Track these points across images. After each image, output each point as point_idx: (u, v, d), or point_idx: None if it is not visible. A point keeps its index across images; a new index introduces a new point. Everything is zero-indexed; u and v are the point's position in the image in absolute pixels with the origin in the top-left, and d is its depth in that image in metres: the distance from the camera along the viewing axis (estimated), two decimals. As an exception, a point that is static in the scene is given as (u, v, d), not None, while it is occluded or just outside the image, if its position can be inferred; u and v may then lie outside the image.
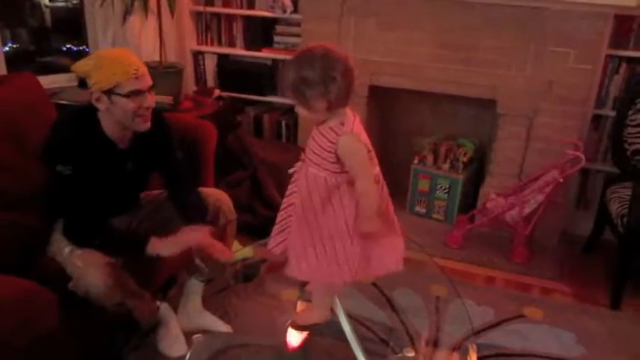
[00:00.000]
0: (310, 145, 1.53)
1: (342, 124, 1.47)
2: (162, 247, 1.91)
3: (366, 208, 1.49)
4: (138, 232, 2.05)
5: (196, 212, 2.09)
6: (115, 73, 1.80)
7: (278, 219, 1.64)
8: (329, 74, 1.40)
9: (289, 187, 1.63)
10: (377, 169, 1.56)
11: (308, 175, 1.53)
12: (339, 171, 1.49)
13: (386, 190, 1.60)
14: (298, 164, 1.59)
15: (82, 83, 1.86)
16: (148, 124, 1.92)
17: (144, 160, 2.05)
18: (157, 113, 2.00)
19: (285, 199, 1.64)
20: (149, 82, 1.89)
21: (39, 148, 1.91)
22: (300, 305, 1.99)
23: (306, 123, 3.42)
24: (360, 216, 1.50)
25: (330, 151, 1.47)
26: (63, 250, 1.90)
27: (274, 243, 1.65)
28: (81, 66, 1.85)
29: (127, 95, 1.82)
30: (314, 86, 1.41)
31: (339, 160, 1.48)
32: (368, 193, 1.49)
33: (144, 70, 1.87)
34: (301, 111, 1.48)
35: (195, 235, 1.96)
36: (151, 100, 1.90)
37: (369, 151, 1.51)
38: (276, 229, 1.65)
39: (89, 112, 1.88)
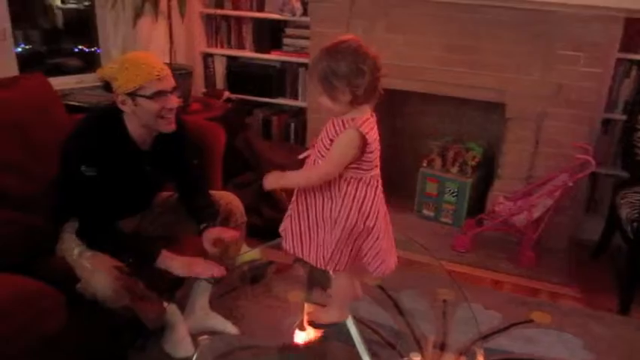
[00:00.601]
0: (321, 134, 1.55)
1: (354, 119, 1.48)
2: (172, 265, 1.94)
3: (295, 177, 1.58)
4: (148, 241, 2.05)
5: (207, 215, 2.10)
6: (138, 75, 1.82)
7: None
8: (359, 67, 1.42)
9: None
10: (377, 171, 1.58)
11: (309, 161, 1.58)
12: None
13: (381, 192, 1.61)
14: (309, 150, 1.62)
15: (107, 87, 1.88)
16: (173, 126, 1.95)
17: (161, 163, 2.07)
18: (179, 119, 2.03)
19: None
20: (172, 83, 1.91)
21: (58, 147, 1.92)
22: (308, 307, 2.00)
23: (316, 124, 3.43)
24: (284, 173, 1.57)
25: (331, 139, 1.50)
26: (72, 250, 1.91)
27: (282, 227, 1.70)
28: (106, 70, 1.88)
29: (151, 97, 1.84)
30: (342, 78, 1.42)
31: None
32: (309, 175, 1.57)
33: (167, 71, 1.89)
34: (324, 101, 1.49)
35: (208, 271, 1.98)
36: (175, 101, 1.92)
37: (370, 152, 1.52)
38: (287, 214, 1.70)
39: (114, 114, 1.91)
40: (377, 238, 1.59)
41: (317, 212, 1.59)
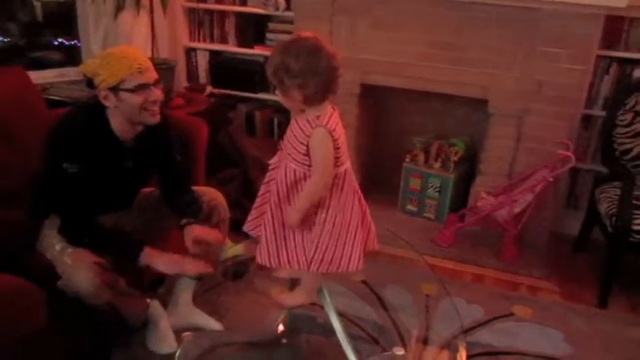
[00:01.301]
0: (288, 136, 1.56)
1: (318, 117, 1.49)
2: (157, 262, 1.94)
3: (301, 202, 1.54)
4: (130, 238, 2.03)
5: (189, 211, 2.09)
6: (119, 69, 1.81)
7: (255, 204, 1.72)
8: (311, 69, 1.42)
9: (267, 174, 1.69)
10: (348, 164, 1.59)
11: (282, 165, 1.58)
12: (308, 164, 1.52)
13: (354, 180, 1.63)
14: (278, 154, 1.64)
15: (89, 83, 1.86)
16: (158, 117, 1.94)
17: (143, 159, 2.06)
18: (164, 114, 2.01)
19: (262, 186, 1.71)
20: (154, 75, 1.90)
21: (40, 143, 1.90)
22: (274, 289, 2.02)
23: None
24: (293, 206, 1.55)
25: (302, 142, 1.50)
26: (53, 247, 1.89)
27: (250, 226, 1.73)
28: (88, 65, 1.87)
29: (133, 90, 1.83)
30: (293, 77, 1.43)
31: (308, 153, 1.50)
32: (311, 192, 1.53)
33: (148, 64, 1.89)
34: (279, 96, 1.51)
35: (194, 268, 1.98)
36: (158, 93, 1.91)
37: (338, 148, 1.52)
38: (252, 213, 1.72)
39: (96, 109, 1.90)
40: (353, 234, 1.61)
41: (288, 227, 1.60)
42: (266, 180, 1.70)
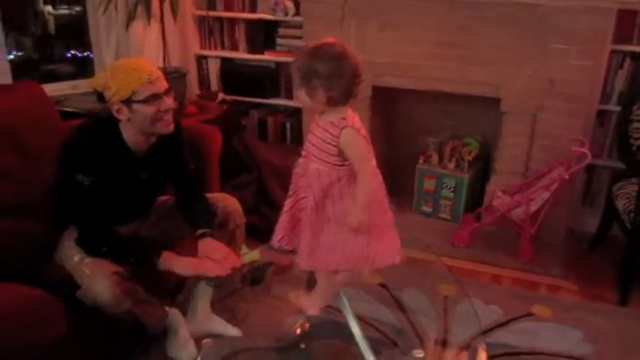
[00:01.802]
0: (312, 140, 1.61)
1: (344, 118, 1.55)
2: (176, 265, 1.95)
3: (361, 199, 1.57)
4: (148, 243, 2.05)
5: (203, 221, 2.10)
6: (129, 81, 1.81)
7: (283, 219, 1.71)
8: (337, 73, 1.49)
9: (291, 187, 1.70)
10: (373, 162, 1.63)
11: (310, 171, 1.60)
12: (340, 164, 1.57)
13: (381, 180, 1.67)
14: (300, 160, 1.66)
15: (100, 97, 1.87)
16: (172, 127, 1.95)
17: (158, 169, 2.07)
18: (177, 123, 2.02)
19: (287, 200, 1.71)
20: (165, 85, 1.91)
21: (55, 155, 1.92)
22: (294, 293, 2.04)
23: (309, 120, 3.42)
24: (354, 207, 1.57)
25: (332, 144, 1.55)
26: (72, 258, 1.91)
27: (278, 237, 1.72)
28: (98, 79, 1.87)
29: (145, 101, 1.84)
30: (320, 78, 1.50)
31: (340, 153, 1.56)
32: (366, 187, 1.58)
33: (158, 74, 1.89)
34: (302, 96, 1.56)
35: (213, 269, 1.99)
36: (170, 102, 1.91)
37: (368, 144, 1.59)
38: (282, 227, 1.71)
39: (109, 122, 1.90)
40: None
41: (324, 219, 1.62)
42: (290, 193, 1.70)
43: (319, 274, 1.84)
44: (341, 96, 1.52)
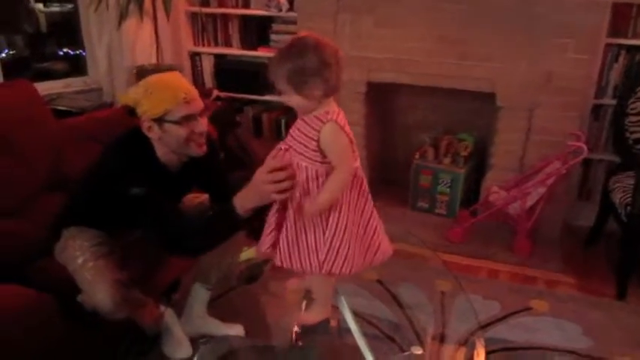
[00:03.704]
0: (294, 134, 1.53)
1: (327, 112, 1.48)
2: (252, 200, 1.72)
3: (326, 194, 1.49)
4: (213, 208, 1.95)
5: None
6: (164, 100, 1.71)
7: (268, 226, 1.63)
8: (324, 62, 1.42)
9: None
10: (357, 163, 1.56)
11: (294, 165, 1.54)
12: (320, 161, 1.50)
13: (365, 184, 1.59)
14: (280, 153, 1.57)
15: (132, 112, 1.77)
16: (204, 149, 1.84)
17: (192, 183, 2.03)
18: (211, 142, 1.92)
19: (271, 211, 1.63)
20: (200, 105, 1.80)
21: (51, 159, 1.87)
22: (304, 305, 2.00)
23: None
24: (316, 198, 1.50)
25: (313, 139, 1.48)
26: (75, 260, 1.86)
27: (264, 244, 1.63)
28: (129, 95, 1.78)
29: (179, 122, 1.74)
30: (313, 74, 1.43)
31: (320, 150, 1.48)
32: (339, 181, 1.50)
33: (194, 93, 1.79)
34: (296, 100, 1.48)
35: (271, 189, 1.62)
36: (204, 124, 1.81)
37: (350, 142, 1.51)
38: (266, 229, 1.64)
39: (140, 138, 1.81)
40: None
41: (305, 219, 1.55)
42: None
43: (312, 284, 1.78)
44: (336, 84, 1.46)
